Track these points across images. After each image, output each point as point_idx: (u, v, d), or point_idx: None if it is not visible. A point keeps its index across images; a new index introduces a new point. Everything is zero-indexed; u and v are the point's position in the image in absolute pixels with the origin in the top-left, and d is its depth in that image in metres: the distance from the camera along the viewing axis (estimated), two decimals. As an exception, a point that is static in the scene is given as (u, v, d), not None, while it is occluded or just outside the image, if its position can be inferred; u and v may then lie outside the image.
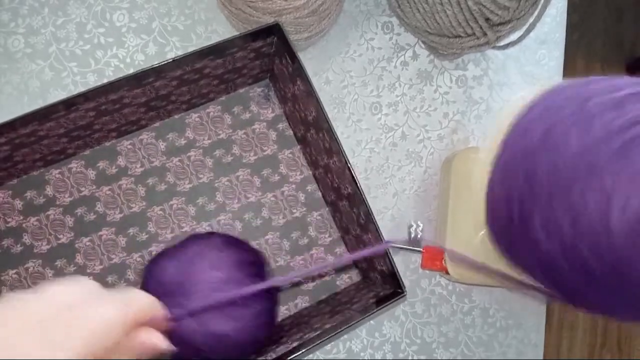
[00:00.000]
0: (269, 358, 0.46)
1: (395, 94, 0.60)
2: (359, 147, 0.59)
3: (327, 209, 0.57)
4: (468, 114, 0.61)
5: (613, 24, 1.47)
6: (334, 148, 0.47)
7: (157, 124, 0.56)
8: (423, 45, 0.61)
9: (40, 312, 0.27)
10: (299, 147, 0.57)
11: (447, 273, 0.54)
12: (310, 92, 0.47)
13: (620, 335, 1.36)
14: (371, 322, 0.57)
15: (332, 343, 0.57)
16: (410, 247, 0.56)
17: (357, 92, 0.60)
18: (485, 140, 0.61)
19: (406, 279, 0.58)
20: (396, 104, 0.60)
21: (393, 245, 0.56)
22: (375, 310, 0.44)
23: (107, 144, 0.55)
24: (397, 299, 0.45)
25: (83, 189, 0.54)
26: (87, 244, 0.53)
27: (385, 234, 0.59)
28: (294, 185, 0.57)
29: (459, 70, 0.62)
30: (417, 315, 0.58)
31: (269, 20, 0.51)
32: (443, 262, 0.54)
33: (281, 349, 0.46)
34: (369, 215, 0.46)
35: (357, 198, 0.47)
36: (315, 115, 0.48)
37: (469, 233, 0.54)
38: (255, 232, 0.56)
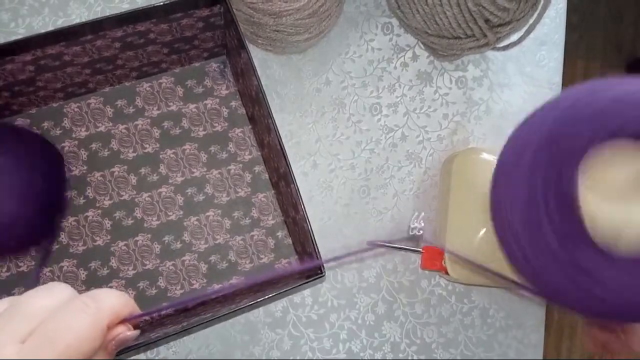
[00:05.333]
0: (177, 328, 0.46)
1: (395, 95, 0.61)
2: (359, 148, 0.59)
3: (272, 191, 0.57)
4: (468, 115, 0.61)
5: (613, 24, 1.47)
6: (270, 125, 0.47)
7: (106, 90, 0.56)
8: (423, 47, 0.61)
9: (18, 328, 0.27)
10: (250, 126, 0.57)
11: (447, 273, 0.54)
12: (248, 63, 0.47)
13: (619, 335, 1.36)
14: (371, 322, 0.58)
15: (332, 343, 0.57)
16: (399, 246, 0.56)
17: (357, 93, 0.60)
18: (485, 141, 0.61)
19: (406, 280, 0.58)
20: (396, 105, 0.60)
21: (378, 243, 0.56)
22: (292, 287, 0.45)
23: (54, 105, 0.55)
24: (314, 279, 0.45)
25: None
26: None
27: (386, 235, 0.59)
28: (241, 165, 0.57)
29: (458, 71, 0.62)
30: (417, 316, 0.58)
31: (269, 21, 0.51)
32: (443, 262, 0.55)
33: (195, 320, 0.46)
34: (297, 193, 0.46)
35: (288, 176, 0.47)
36: (255, 89, 0.48)
37: (469, 234, 0.54)
38: (197, 208, 0.56)
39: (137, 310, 0.31)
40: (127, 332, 0.30)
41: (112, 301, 0.30)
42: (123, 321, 0.30)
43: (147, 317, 0.31)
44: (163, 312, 0.54)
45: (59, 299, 0.29)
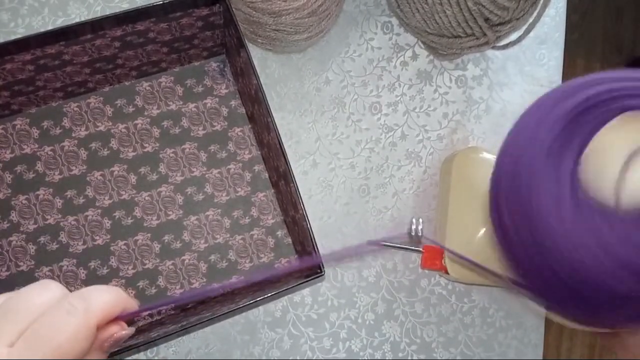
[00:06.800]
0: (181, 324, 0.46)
1: (394, 94, 0.61)
2: (359, 147, 0.59)
3: (272, 190, 0.57)
4: (468, 114, 0.61)
5: (613, 24, 1.47)
6: (270, 124, 0.47)
7: (106, 89, 0.56)
8: (422, 46, 0.61)
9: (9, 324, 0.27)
10: (249, 125, 0.57)
11: (447, 273, 0.54)
12: (248, 63, 0.47)
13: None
14: (370, 321, 0.57)
15: (332, 342, 0.57)
16: (399, 245, 0.56)
17: (356, 92, 0.60)
18: (485, 140, 0.61)
19: (406, 279, 0.58)
20: (396, 104, 0.60)
21: (384, 244, 0.56)
22: (292, 286, 0.45)
23: (54, 104, 0.55)
24: (314, 278, 0.45)
25: (25, 146, 0.55)
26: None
27: (385, 234, 0.59)
28: (240, 164, 0.57)
29: (458, 70, 0.62)
30: (417, 315, 0.58)
31: (268, 21, 0.51)
32: (443, 261, 0.55)
33: (194, 319, 0.47)
34: (296, 192, 0.46)
35: (288, 176, 0.47)
36: (255, 88, 0.48)
37: (469, 233, 0.54)
38: (197, 207, 0.56)
39: (132, 305, 0.31)
40: (121, 332, 0.30)
41: (102, 300, 0.29)
42: (117, 319, 0.30)
43: (144, 314, 0.31)
44: (163, 312, 0.54)
45: (49, 298, 0.29)
